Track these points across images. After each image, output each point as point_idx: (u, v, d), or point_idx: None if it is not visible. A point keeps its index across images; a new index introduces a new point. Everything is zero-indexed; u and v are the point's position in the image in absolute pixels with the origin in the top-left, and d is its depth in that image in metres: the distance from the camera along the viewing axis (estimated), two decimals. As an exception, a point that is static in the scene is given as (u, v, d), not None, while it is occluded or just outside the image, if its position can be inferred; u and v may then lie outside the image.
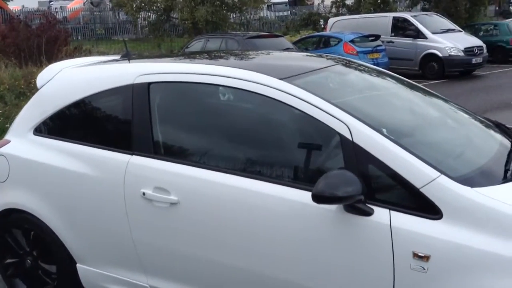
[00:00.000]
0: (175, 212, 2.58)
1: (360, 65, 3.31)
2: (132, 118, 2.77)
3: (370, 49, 13.21)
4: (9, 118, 8.19)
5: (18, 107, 8.58)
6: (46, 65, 10.73)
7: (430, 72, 14.36)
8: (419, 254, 2.04)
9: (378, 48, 13.47)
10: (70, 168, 2.90)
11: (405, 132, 2.49)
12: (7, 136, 3.31)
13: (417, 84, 3.27)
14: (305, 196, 2.24)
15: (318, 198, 2.09)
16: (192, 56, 3.41)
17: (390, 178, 2.15)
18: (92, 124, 3.03)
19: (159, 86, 2.79)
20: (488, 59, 15.07)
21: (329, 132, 2.31)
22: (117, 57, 3.47)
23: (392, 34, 15.17)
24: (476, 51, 14.46)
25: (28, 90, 9.45)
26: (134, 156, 2.73)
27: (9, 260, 3.33)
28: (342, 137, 2.24)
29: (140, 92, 2.77)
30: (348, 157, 2.22)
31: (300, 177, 2.43)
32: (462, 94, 11.74)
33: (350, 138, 2.22)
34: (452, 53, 14.07)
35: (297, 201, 2.29)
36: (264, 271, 2.41)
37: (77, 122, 3.07)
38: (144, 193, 2.64)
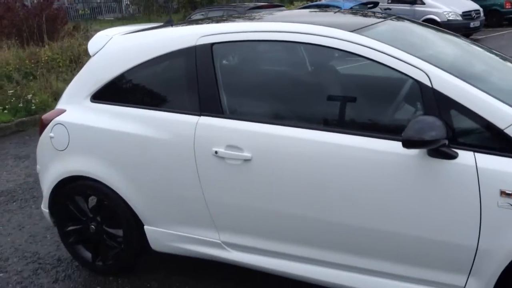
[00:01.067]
0: (248, 168, 2.65)
1: (409, 19, 3.37)
2: (198, 80, 2.82)
3: (370, 16, 13.19)
4: (21, 98, 8.15)
5: (28, 87, 8.53)
6: (49, 45, 10.72)
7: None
8: (506, 191, 2.13)
9: (377, 15, 13.45)
10: (135, 132, 2.94)
11: (477, 78, 2.56)
12: (60, 106, 3.34)
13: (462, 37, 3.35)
14: (388, 145, 2.32)
15: (408, 143, 2.17)
16: (239, 17, 3.42)
17: (473, 122, 2.23)
18: (155, 88, 3.06)
19: (223, 46, 2.83)
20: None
21: (407, 81, 2.38)
22: (158, 24, 3.51)
23: (390, 1, 15.18)
24: (474, 15, 14.54)
25: (34, 70, 9.38)
26: (202, 117, 2.78)
27: (71, 227, 3.39)
28: (421, 85, 2.31)
29: (204, 53, 2.81)
30: (428, 104, 2.29)
31: (380, 127, 2.49)
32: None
33: (430, 85, 2.29)
34: (451, 18, 14.14)
35: (379, 150, 2.36)
36: (347, 221, 2.49)
37: (139, 87, 3.10)
38: (216, 152, 2.70)
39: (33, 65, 9.46)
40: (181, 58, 2.90)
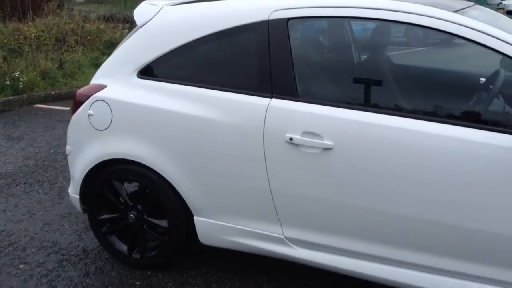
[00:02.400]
0: (328, 157, 2.41)
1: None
2: (270, 58, 2.55)
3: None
4: (7, 75, 7.64)
5: (13, 65, 8.02)
6: (33, 21, 10.16)
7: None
8: None
9: None
10: (193, 114, 2.66)
11: None
12: (97, 80, 3.01)
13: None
14: (499, 137, 2.13)
15: None
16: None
17: None
18: (218, 65, 2.76)
19: (300, 22, 2.57)
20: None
21: None
22: None
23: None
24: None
25: (19, 47, 8.85)
26: (274, 100, 2.52)
27: (105, 216, 3.08)
28: None
29: (278, 29, 2.54)
30: None
31: (482, 117, 2.29)
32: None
33: None
34: None
35: (480, 142, 2.16)
36: (449, 221, 2.26)
37: (198, 63, 2.80)
38: (291, 139, 2.44)
39: (17, 42, 8.92)
40: (250, 33, 2.62)
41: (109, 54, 10.38)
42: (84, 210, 3.16)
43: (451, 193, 2.22)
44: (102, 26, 10.39)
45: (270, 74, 2.54)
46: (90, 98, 2.92)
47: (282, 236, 2.66)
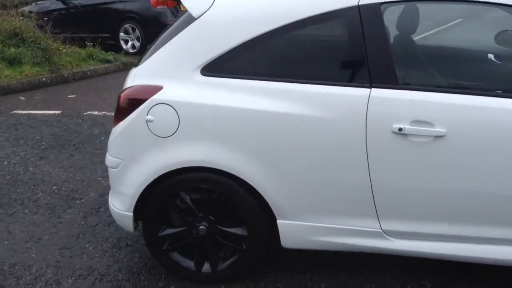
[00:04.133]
0: (441, 145, 2.36)
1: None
2: (365, 46, 2.42)
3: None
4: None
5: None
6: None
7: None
8: None
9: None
10: (277, 111, 2.45)
11: None
12: (144, 81, 2.65)
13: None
14: None
15: None
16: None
17: None
18: (301, 57, 2.55)
19: (394, 6, 2.46)
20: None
21: None
22: None
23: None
24: None
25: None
26: (374, 89, 2.41)
27: (168, 231, 2.75)
28: None
29: (371, 15, 2.41)
30: None
31: None
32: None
33: None
34: None
35: None
36: None
37: (277, 56, 2.56)
38: (400, 129, 2.36)
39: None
40: (338, 20, 2.47)
41: (14, 45, 9.19)
42: (136, 228, 2.80)
43: None
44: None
45: (367, 62, 2.41)
46: (147, 102, 2.56)
47: (380, 230, 2.58)
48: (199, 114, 2.53)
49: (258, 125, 2.48)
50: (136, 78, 2.69)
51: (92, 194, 3.96)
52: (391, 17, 2.52)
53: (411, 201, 2.49)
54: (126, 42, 10.61)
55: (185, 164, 2.58)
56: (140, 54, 4.09)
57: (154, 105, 2.55)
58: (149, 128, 2.57)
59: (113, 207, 2.81)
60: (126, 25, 10.47)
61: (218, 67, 2.54)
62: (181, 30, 2.63)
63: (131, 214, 2.72)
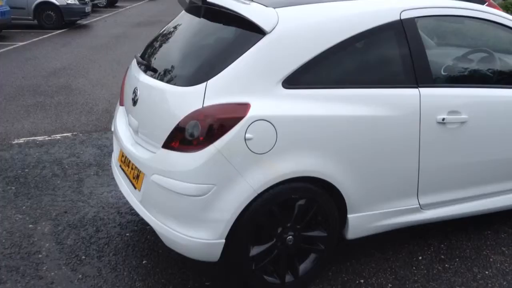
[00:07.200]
0: (464, 128, 3.04)
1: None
2: (411, 53, 2.90)
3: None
4: None
5: None
6: None
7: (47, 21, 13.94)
8: None
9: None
10: (357, 114, 2.72)
11: None
12: (231, 99, 2.52)
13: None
14: None
15: None
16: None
17: None
18: (362, 65, 2.85)
19: (425, 20, 3.06)
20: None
21: None
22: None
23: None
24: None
25: None
26: (421, 89, 2.92)
27: (257, 249, 2.68)
28: None
29: (411, 27, 2.92)
30: None
31: None
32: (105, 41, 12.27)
33: None
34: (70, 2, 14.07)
35: None
36: None
37: (345, 66, 2.78)
38: (444, 119, 2.94)
39: None
40: (387, 32, 2.88)
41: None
42: (222, 256, 2.63)
43: None
44: None
45: (413, 66, 2.91)
46: (244, 120, 2.47)
47: (418, 206, 3.11)
48: (294, 126, 2.59)
49: (341, 129, 2.70)
50: (199, 97, 2.53)
51: None
52: (426, 29, 3.11)
53: (445, 175, 3.12)
54: None
55: (286, 177, 2.59)
56: None
57: (253, 122, 2.49)
58: (247, 146, 2.49)
59: (194, 239, 2.56)
60: None
61: (297, 80, 2.64)
62: (226, 41, 2.81)
63: (223, 241, 2.56)
